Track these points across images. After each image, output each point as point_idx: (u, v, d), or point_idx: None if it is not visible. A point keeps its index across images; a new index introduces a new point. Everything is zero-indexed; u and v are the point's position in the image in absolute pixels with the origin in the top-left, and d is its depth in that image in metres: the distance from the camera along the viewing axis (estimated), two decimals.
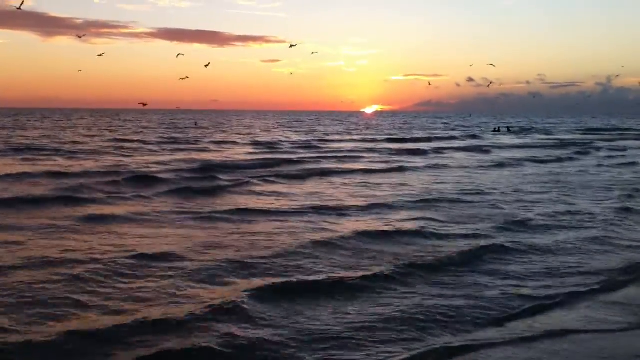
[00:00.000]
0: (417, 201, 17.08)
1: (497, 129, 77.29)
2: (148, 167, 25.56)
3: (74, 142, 41.77)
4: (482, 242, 11.76)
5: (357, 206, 16.24)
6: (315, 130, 72.93)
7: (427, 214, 15.05)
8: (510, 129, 77.89)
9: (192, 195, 18.02)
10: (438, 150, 39.54)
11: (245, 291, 8.46)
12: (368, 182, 21.99)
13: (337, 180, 22.76)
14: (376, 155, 36.08)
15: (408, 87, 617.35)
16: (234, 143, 45.48)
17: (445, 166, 28.67)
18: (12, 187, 18.66)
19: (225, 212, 15.05)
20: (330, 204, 16.60)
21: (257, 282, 9.04)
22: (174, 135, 55.90)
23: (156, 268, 9.73)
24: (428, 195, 18.35)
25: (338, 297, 8.54)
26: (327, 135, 61.75)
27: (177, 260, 10.24)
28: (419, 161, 31.54)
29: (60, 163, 27.21)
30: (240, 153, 35.26)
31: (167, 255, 10.51)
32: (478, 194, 18.84)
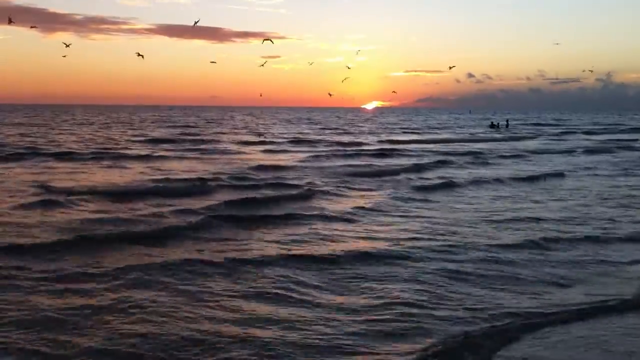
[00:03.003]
0: None
1: (497, 125, 71.83)
2: (219, 176, 20.96)
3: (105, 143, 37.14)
4: None
5: None
6: (347, 129, 68.57)
7: None
8: (509, 124, 73.01)
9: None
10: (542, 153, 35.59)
11: None
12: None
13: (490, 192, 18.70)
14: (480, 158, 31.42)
15: (408, 83, 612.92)
16: (277, 143, 41.19)
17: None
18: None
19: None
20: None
21: None
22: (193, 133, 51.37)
23: None
24: None
25: None
26: (365, 133, 57.54)
27: None
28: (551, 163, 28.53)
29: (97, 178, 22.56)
30: (300, 157, 30.63)
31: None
32: None
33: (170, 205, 15.03)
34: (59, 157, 27.26)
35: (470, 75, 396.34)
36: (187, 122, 77.01)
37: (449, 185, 19.66)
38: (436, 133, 60.88)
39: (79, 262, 9.76)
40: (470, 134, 59.66)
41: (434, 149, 37.32)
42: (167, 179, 20.00)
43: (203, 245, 11.23)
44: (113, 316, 7.41)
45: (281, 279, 9.12)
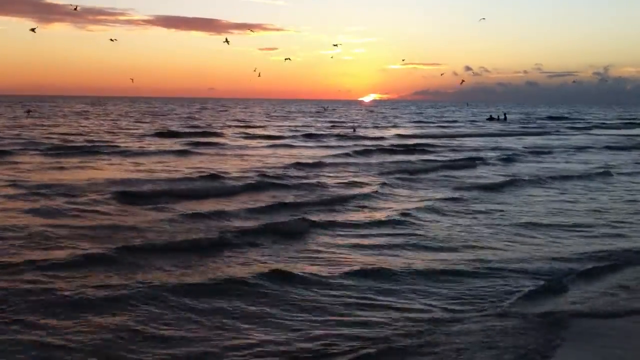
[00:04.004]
0: None
1: (496, 118, 72.62)
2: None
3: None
4: None
5: None
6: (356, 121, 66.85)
7: None
8: (507, 116, 73.57)
9: None
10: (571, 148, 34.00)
11: None
12: None
13: None
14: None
15: (406, 75, 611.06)
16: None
17: None
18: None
19: None
20: None
21: None
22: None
23: None
24: None
25: None
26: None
27: None
28: None
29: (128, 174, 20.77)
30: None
31: None
32: None
33: (216, 208, 13.37)
34: (59, 152, 24.94)
35: (468, 69, 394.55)
36: (189, 115, 75.01)
37: (511, 183, 18.11)
38: (448, 127, 59.26)
39: (128, 279, 8.17)
40: (480, 127, 58.44)
41: (458, 145, 35.74)
42: (196, 177, 18.21)
43: (281, 255, 9.62)
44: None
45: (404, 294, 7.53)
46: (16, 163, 20.92)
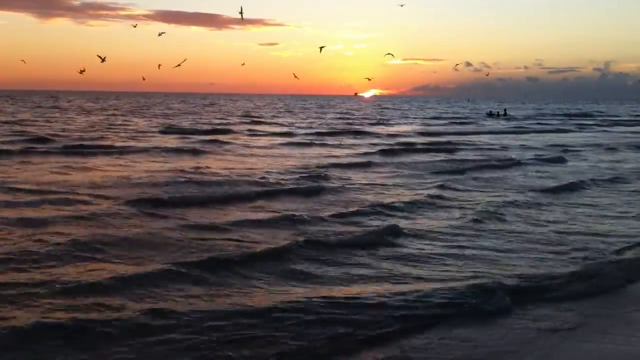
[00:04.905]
0: None
1: (496, 113, 73.02)
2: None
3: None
4: None
5: None
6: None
7: None
8: (507, 113, 73.65)
9: None
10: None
11: None
12: None
13: None
14: None
15: (406, 71, 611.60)
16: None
17: None
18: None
19: None
20: None
21: None
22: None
23: None
24: None
25: None
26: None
27: None
28: None
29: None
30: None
31: None
32: None
33: (277, 214, 12.16)
34: (62, 151, 23.18)
35: (468, 64, 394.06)
36: (192, 110, 73.65)
37: (575, 185, 17.00)
38: (460, 123, 58.14)
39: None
40: (489, 123, 57.72)
41: (481, 142, 34.56)
42: (224, 180, 16.73)
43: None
44: None
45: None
46: (25, 163, 19.59)
